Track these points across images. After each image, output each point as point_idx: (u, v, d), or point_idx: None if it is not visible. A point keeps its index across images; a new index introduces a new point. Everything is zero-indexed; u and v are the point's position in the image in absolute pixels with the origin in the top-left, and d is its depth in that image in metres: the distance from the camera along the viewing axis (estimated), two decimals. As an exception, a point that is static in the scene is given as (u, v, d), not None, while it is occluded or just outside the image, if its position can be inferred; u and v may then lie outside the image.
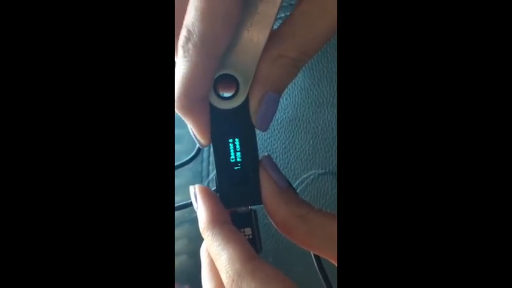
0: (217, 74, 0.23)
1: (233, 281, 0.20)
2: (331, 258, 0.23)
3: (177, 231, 0.49)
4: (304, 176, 0.35)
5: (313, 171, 0.35)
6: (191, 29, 0.20)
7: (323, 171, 0.34)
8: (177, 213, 0.47)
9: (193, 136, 0.24)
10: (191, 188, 0.25)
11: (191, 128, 0.24)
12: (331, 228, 0.22)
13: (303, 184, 0.36)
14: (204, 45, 0.21)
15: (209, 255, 0.23)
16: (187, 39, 0.21)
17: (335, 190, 0.34)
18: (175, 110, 0.22)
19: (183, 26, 0.21)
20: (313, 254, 0.28)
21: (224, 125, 0.23)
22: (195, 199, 0.24)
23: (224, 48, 0.22)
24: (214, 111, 0.23)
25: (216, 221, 0.23)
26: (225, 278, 0.21)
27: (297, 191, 0.36)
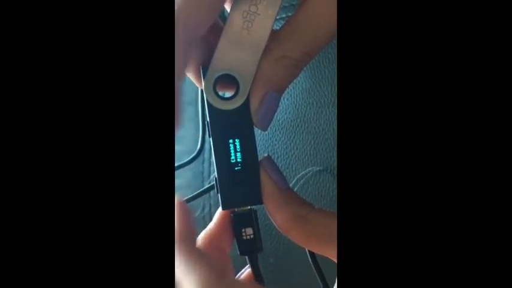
0: (217, 75, 0.23)
1: None
2: (333, 257, 0.23)
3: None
4: (302, 173, 0.35)
5: (310, 168, 0.35)
6: None
7: (321, 168, 0.34)
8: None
9: None
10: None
11: None
12: (332, 227, 0.22)
13: (301, 181, 0.36)
14: (180, 28, 0.20)
15: None
16: None
17: (332, 187, 0.34)
18: None
19: None
20: (308, 252, 0.28)
21: (224, 126, 0.24)
22: None
23: (201, 32, 0.21)
24: (214, 111, 0.23)
25: (181, 241, 0.22)
26: None
27: (295, 188, 0.36)
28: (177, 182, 0.47)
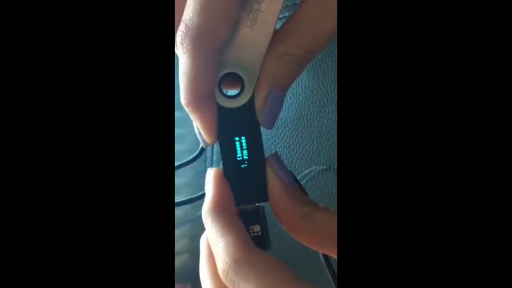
0: (222, 73, 0.23)
1: (230, 267, 0.20)
2: (336, 256, 0.23)
3: (179, 231, 0.49)
4: (305, 172, 0.35)
5: (314, 167, 0.35)
6: (189, 24, 0.20)
7: (324, 167, 0.34)
8: (178, 213, 0.47)
9: (197, 134, 0.24)
10: (208, 170, 0.25)
11: (197, 125, 0.23)
12: (335, 226, 0.22)
13: (304, 180, 0.36)
14: (202, 39, 0.20)
15: (208, 243, 0.23)
16: (185, 35, 0.20)
17: (335, 186, 0.34)
18: (184, 106, 0.22)
19: (182, 21, 0.21)
20: (322, 253, 0.28)
21: (230, 124, 0.23)
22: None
23: (223, 42, 0.21)
24: (219, 109, 0.23)
25: (218, 208, 0.23)
26: (222, 264, 0.20)
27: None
28: (179, 181, 0.47)
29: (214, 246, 0.21)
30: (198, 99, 0.22)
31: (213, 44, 0.21)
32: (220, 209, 0.23)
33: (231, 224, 0.22)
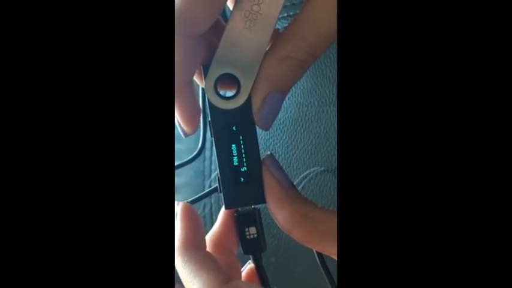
0: (218, 74, 0.23)
1: None
2: (335, 255, 0.23)
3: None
4: (304, 173, 0.35)
5: (313, 168, 0.35)
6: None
7: (323, 168, 0.34)
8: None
9: (177, 124, 0.24)
10: (176, 204, 0.24)
11: (176, 114, 0.23)
12: (334, 225, 0.22)
13: (303, 183, 0.36)
14: (182, 24, 0.20)
15: None
16: None
17: (333, 186, 0.34)
18: None
19: None
20: (316, 251, 0.28)
21: (226, 125, 0.24)
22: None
23: (204, 29, 0.21)
24: (215, 111, 0.23)
25: (188, 246, 0.22)
26: None
27: (298, 188, 0.36)
28: (178, 180, 0.47)
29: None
30: (176, 86, 0.22)
31: (193, 30, 0.21)
32: (190, 247, 0.22)
33: (203, 262, 0.21)
